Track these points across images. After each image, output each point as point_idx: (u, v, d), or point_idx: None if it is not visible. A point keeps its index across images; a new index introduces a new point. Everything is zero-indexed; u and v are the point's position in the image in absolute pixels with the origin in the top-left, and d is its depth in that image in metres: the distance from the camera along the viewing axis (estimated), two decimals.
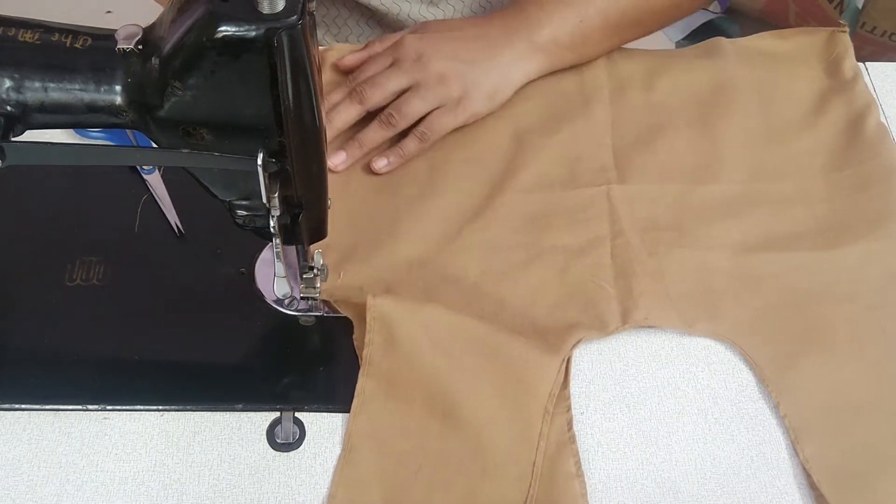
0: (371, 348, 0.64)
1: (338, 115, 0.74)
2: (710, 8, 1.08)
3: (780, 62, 0.83)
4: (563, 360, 0.65)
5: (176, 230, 0.71)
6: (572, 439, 0.62)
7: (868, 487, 0.60)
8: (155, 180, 0.73)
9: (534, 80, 0.79)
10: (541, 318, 0.67)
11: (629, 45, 0.84)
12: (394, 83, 0.74)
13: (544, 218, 0.73)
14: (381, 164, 0.74)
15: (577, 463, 0.61)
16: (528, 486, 0.59)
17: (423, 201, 0.73)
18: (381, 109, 0.74)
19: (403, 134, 0.74)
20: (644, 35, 0.82)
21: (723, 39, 0.85)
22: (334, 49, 0.81)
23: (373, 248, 0.70)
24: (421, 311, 0.65)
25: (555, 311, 0.68)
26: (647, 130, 0.78)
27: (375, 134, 0.74)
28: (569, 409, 0.64)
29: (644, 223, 0.73)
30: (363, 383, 0.63)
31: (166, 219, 0.72)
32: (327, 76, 0.79)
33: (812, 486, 0.61)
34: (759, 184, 0.75)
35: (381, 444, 0.61)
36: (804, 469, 0.61)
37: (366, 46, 0.79)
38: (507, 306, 0.68)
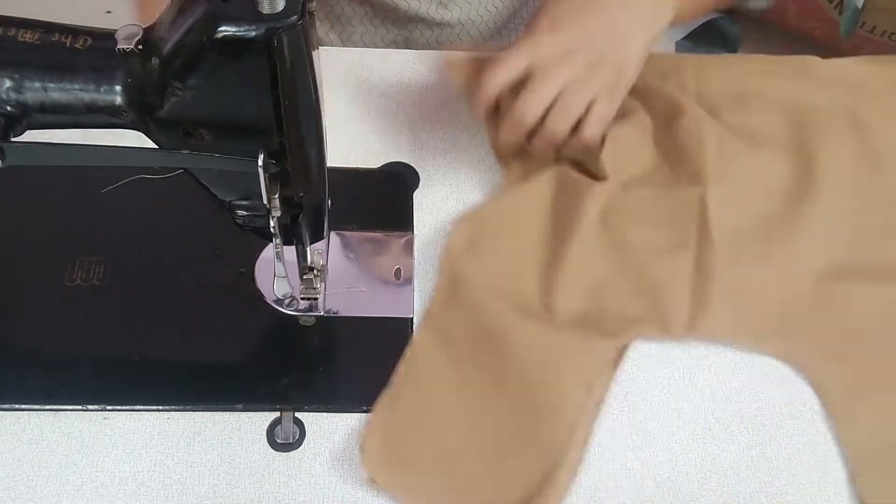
0: (434, 302, 0.67)
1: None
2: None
3: (872, 94, 0.82)
4: (619, 348, 0.66)
5: None
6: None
7: None
8: None
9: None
10: (609, 307, 0.68)
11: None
12: (546, 96, 0.68)
13: (637, 213, 0.73)
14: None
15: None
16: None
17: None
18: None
19: None
20: None
21: (813, 60, 0.84)
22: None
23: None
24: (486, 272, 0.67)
25: (624, 301, 0.68)
26: (745, 146, 0.77)
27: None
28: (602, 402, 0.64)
29: (732, 232, 0.71)
30: (421, 336, 0.65)
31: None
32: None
33: None
34: (858, 214, 0.74)
35: (424, 392, 0.62)
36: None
37: (489, 62, 0.71)
38: (577, 289, 0.68)
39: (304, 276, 0.65)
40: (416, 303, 0.69)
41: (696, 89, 0.80)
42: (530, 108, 0.68)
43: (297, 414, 0.63)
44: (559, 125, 0.68)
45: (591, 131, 0.69)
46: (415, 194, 0.76)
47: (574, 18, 0.69)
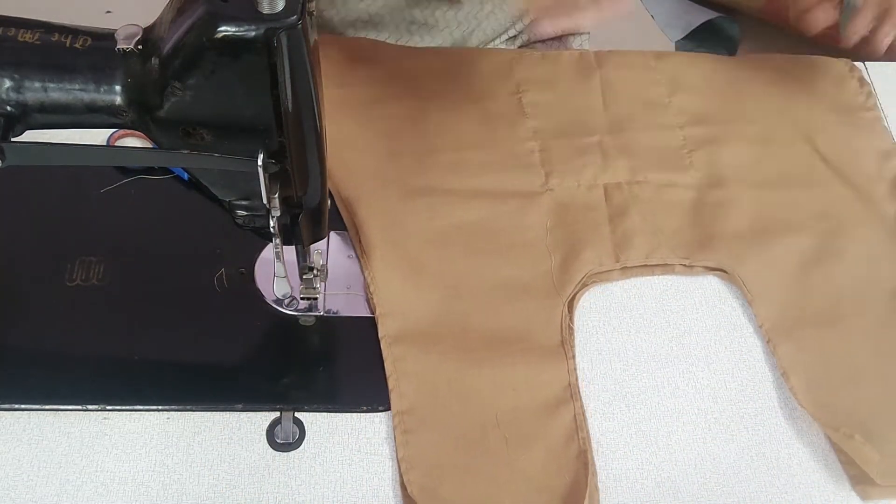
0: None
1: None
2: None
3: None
4: (566, 300, 0.69)
5: None
6: (575, 395, 0.64)
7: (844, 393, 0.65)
8: None
9: None
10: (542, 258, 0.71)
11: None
12: None
13: (546, 165, 0.77)
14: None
15: (577, 419, 0.63)
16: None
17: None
18: None
19: None
20: None
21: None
22: None
23: (385, 180, 0.74)
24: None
25: (556, 248, 0.71)
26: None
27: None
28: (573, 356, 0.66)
29: (630, 168, 0.77)
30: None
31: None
32: None
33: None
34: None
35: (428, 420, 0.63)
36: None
37: None
38: (513, 246, 0.72)
39: (304, 276, 0.65)
40: None
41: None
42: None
43: (296, 414, 0.63)
44: None
45: None
46: None
47: None
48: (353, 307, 0.68)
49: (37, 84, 0.51)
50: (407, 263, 0.69)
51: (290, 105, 0.51)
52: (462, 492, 0.60)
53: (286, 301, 0.68)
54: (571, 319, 0.68)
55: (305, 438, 0.62)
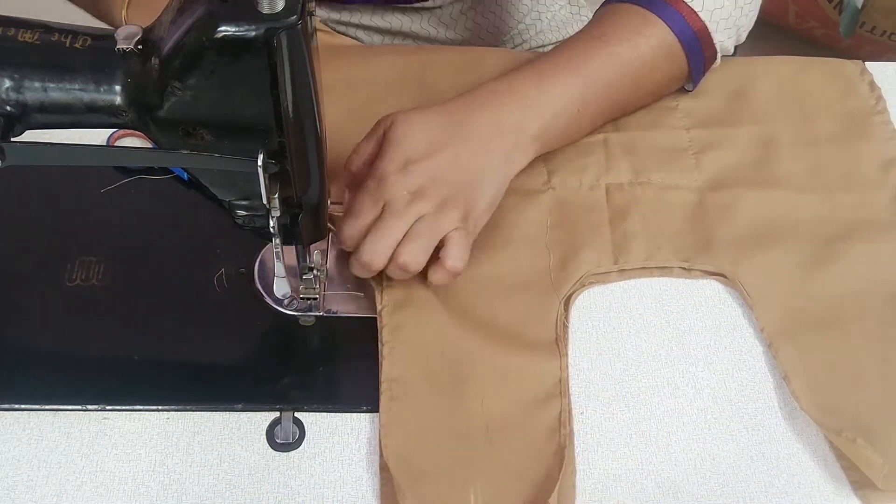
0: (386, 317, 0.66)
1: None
2: None
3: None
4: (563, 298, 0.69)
5: None
6: (564, 392, 0.64)
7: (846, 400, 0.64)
8: None
9: None
10: (539, 258, 0.71)
11: None
12: (394, 237, 0.64)
13: (549, 164, 0.77)
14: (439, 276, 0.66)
15: (562, 415, 0.63)
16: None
17: None
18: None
19: None
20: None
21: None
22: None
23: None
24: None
25: (555, 246, 0.72)
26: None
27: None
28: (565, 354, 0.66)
29: (633, 168, 0.77)
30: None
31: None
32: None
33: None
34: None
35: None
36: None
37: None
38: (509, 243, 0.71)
39: (304, 276, 0.65)
40: None
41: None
42: (378, 251, 0.64)
43: (296, 414, 0.63)
44: (409, 257, 0.64)
45: (451, 261, 0.65)
46: None
47: (425, 159, 0.66)
48: (353, 307, 0.68)
49: (37, 84, 0.51)
50: None
51: (290, 105, 0.51)
52: (437, 464, 0.60)
53: (286, 301, 0.68)
54: (567, 318, 0.68)
55: (305, 438, 0.62)
